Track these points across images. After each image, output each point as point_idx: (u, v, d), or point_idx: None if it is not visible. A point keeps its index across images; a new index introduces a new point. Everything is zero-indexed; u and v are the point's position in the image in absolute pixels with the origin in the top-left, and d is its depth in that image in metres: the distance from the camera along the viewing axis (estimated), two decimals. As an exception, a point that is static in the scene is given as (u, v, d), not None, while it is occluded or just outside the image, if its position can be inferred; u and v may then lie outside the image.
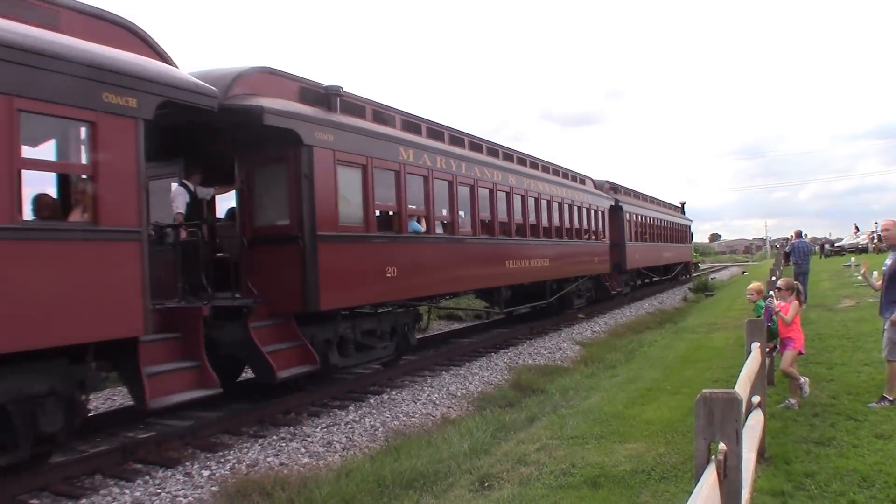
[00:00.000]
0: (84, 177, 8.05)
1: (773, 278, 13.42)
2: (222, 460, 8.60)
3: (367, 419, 10.59)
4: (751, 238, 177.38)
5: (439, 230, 15.46)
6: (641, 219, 33.27)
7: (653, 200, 38.64)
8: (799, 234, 23.42)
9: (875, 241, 56.17)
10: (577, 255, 23.98)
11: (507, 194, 18.69)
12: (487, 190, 17.50)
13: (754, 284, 10.32)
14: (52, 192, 8.89)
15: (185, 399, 8.79)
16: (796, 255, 21.48)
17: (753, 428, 5.90)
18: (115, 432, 9.88)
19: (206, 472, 8.18)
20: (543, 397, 11.65)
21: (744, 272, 58.29)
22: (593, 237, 25.95)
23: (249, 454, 8.84)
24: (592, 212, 25.93)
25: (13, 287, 6.77)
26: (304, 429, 10.05)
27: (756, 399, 6.46)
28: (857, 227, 65.23)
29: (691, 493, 2.92)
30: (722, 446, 3.20)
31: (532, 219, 20.30)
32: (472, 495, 6.64)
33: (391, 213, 13.74)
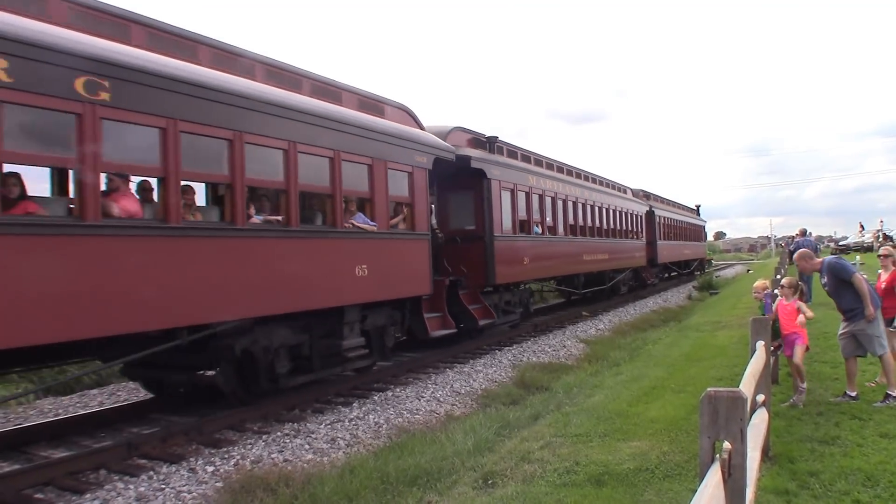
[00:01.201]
0: (407, 203, 13.61)
1: (778, 276, 13.40)
2: (226, 456, 8.62)
3: (371, 416, 10.60)
4: (756, 236, 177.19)
5: (545, 232, 20.87)
6: (668, 221, 39.09)
7: (676, 205, 45.14)
8: (804, 233, 23.35)
9: (881, 239, 56.04)
10: (625, 251, 29.64)
11: (583, 205, 24.62)
12: (571, 202, 23.22)
13: (760, 282, 10.32)
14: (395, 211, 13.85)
15: (443, 334, 15.16)
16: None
17: (758, 426, 5.89)
18: (119, 428, 9.92)
19: (210, 468, 8.19)
20: (547, 395, 11.65)
21: (749, 270, 58.23)
22: (634, 237, 31.37)
23: (253, 450, 8.85)
24: (633, 216, 31.38)
25: (386, 264, 12.65)
26: (308, 425, 10.07)
27: (760, 397, 6.45)
28: (862, 226, 65.07)
29: (695, 491, 2.92)
30: (726, 445, 3.20)
31: (597, 223, 26.03)
32: (476, 493, 6.64)
33: (523, 221, 19.25)
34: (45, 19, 7.56)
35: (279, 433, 9.65)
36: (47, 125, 7.47)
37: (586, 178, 26.02)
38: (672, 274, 42.11)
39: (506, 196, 17.99)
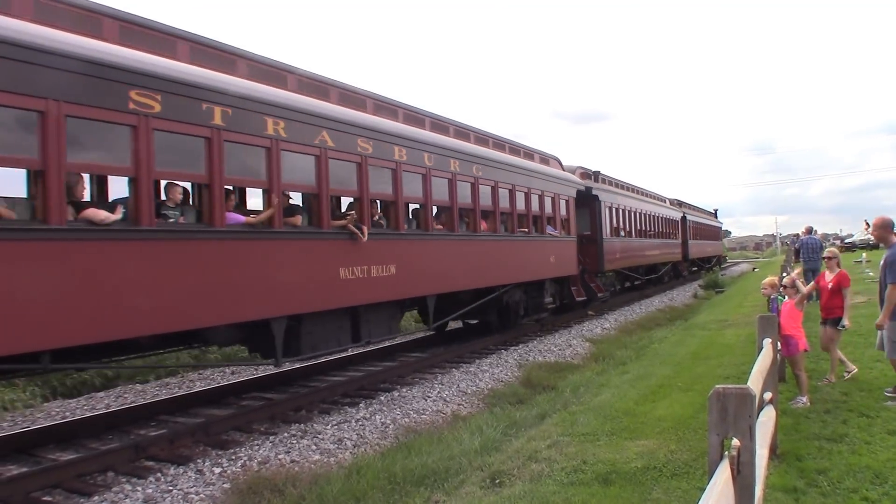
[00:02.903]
0: (564, 216, 21.33)
1: (784, 275, 13.37)
2: (234, 457, 8.62)
3: (377, 416, 10.60)
4: (761, 234, 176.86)
5: (626, 235, 29.16)
6: (695, 224, 47.17)
7: (700, 210, 54.34)
8: (810, 231, 23.23)
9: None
10: (668, 249, 37.68)
11: (645, 214, 33.09)
12: (639, 213, 31.64)
13: (769, 279, 10.29)
14: (556, 222, 21.25)
15: (581, 300, 22.84)
16: (805, 252, 21.32)
17: (765, 424, 5.88)
18: (127, 430, 9.93)
19: (217, 470, 8.20)
20: (554, 394, 11.63)
21: (754, 269, 58.13)
22: (673, 237, 39.85)
23: (261, 451, 8.86)
24: (672, 221, 39.72)
25: (561, 255, 20.62)
26: (314, 426, 10.07)
27: (768, 395, 6.44)
28: (867, 223, 64.92)
29: (704, 489, 2.91)
30: (735, 442, 3.19)
31: (652, 227, 34.56)
32: (484, 492, 6.64)
33: (615, 227, 27.30)
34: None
35: (286, 434, 9.66)
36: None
37: (643, 194, 34.47)
38: (694, 269, 49.09)
39: (606, 211, 26.08)
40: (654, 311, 25.75)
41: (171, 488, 7.61)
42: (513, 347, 17.20)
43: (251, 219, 9.89)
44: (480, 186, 15.92)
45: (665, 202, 39.79)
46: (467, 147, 15.74)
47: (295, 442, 9.29)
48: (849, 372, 9.88)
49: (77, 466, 8.06)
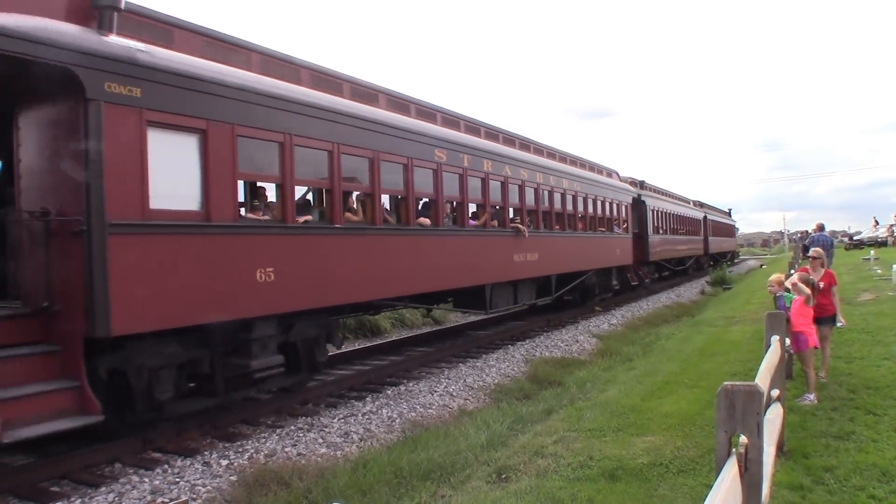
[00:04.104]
0: (624, 218, 27.40)
1: (791, 272, 13.34)
2: (240, 450, 8.65)
3: (384, 410, 10.62)
4: (769, 231, 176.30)
5: (663, 233, 34.79)
6: (714, 223, 53.46)
7: (717, 210, 61.93)
8: (821, 228, 23.10)
9: (895, 234, 55.59)
10: (692, 244, 43.05)
11: (679, 216, 39.28)
12: (674, 214, 37.61)
13: (775, 276, 10.28)
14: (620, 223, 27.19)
15: (634, 284, 29.61)
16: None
17: (773, 421, 5.87)
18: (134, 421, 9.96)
19: (224, 462, 8.22)
20: (560, 390, 11.64)
21: (762, 265, 58.00)
22: (697, 235, 45.07)
23: (267, 444, 8.89)
24: (694, 220, 44.70)
25: (622, 249, 26.41)
26: (321, 419, 10.09)
27: (775, 392, 6.43)
28: (876, 221, 64.68)
29: (711, 486, 2.91)
30: (743, 439, 3.19)
31: (682, 226, 40.11)
32: (490, 487, 6.65)
33: (657, 226, 32.66)
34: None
35: (292, 427, 9.69)
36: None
37: (675, 198, 41.09)
38: (712, 263, 53.65)
39: (650, 213, 31.42)
40: (661, 308, 25.71)
41: (178, 480, 7.64)
42: (519, 342, 17.20)
43: (478, 222, 15.58)
44: (578, 197, 22.08)
45: (689, 204, 46.31)
46: (571, 169, 22.37)
47: (301, 435, 9.31)
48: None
49: (85, 457, 8.09)
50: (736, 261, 69.11)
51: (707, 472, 6.13)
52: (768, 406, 6.03)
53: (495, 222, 16.23)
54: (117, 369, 8.13)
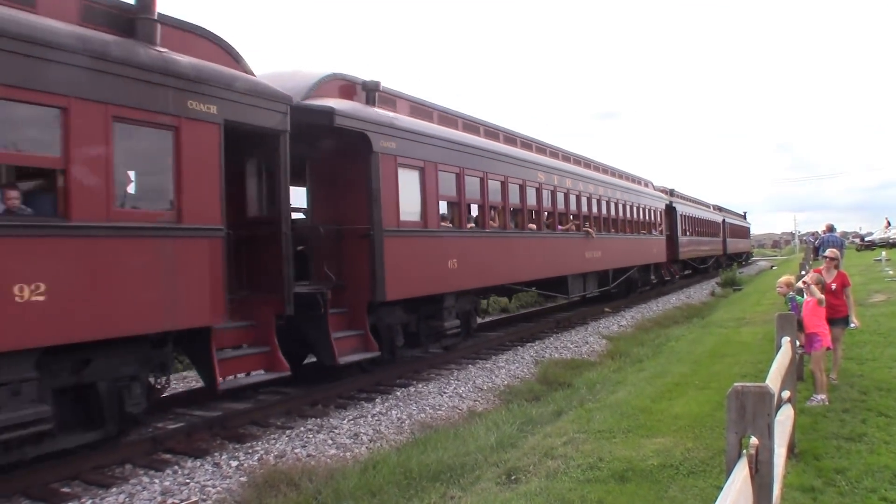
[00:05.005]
0: (659, 222, 32.00)
1: (802, 273, 13.29)
2: (250, 451, 8.68)
3: (393, 411, 10.63)
4: (779, 232, 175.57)
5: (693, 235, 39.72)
6: (731, 226, 57.67)
7: (734, 213, 66.23)
8: (830, 229, 23.01)
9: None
10: (713, 244, 47.33)
11: (722, 222, 50.01)
12: (721, 221, 49.14)
13: (785, 278, 10.24)
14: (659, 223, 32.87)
15: (668, 279, 35.92)
16: (826, 250, 21.11)
17: (783, 423, 5.85)
18: (144, 423, 9.98)
19: (234, 463, 8.25)
20: (570, 391, 11.62)
21: (772, 267, 57.76)
22: (716, 236, 49.03)
23: (277, 445, 8.91)
24: (716, 223, 49.78)
25: (658, 248, 31.50)
26: (331, 420, 10.11)
27: (786, 394, 6.40)
28: (888, 222, 64.27)
29: (721, 487, 2.90)
30: (753, 440, 3.18)
31: (706, 230, 45.17)
32: (499, 488, 6.64)
33: (686, 229, 37.27)
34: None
35: (302, 428, 9.71)
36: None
37: (699, 203, 46.07)
38: (731, 262, 56.88)
39: (679, 217, 35.68)
40: (671, 309, 25.61)
41: (188, 481, 7.67)
42: (529, 344, 17.19)
43: (564, 227, 20.43)
44: (627, 205, 26.86)
45: (710, 208, 51.00)
46: (621, 182, 27.29)
47: (311, 436, 9.33)
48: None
49: (95, 458, 8.13)
50: (749, 261, 73.13)
51: (717, 474, 6.10)
52: (779, 407, 6.01)
53: (573, 227, 20.92)
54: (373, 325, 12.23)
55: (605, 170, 26.53)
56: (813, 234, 58.35)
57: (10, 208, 7.09)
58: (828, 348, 9.00)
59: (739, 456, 3.16)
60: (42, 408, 7.14)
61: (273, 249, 10.11)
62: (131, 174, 8.39)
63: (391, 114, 12.70)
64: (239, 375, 9.91)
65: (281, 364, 10.00)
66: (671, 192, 37.33)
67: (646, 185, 32.16)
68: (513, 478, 6.88)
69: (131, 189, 8.41)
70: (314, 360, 12.56)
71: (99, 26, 7.94)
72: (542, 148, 20.50)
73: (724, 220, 53.36)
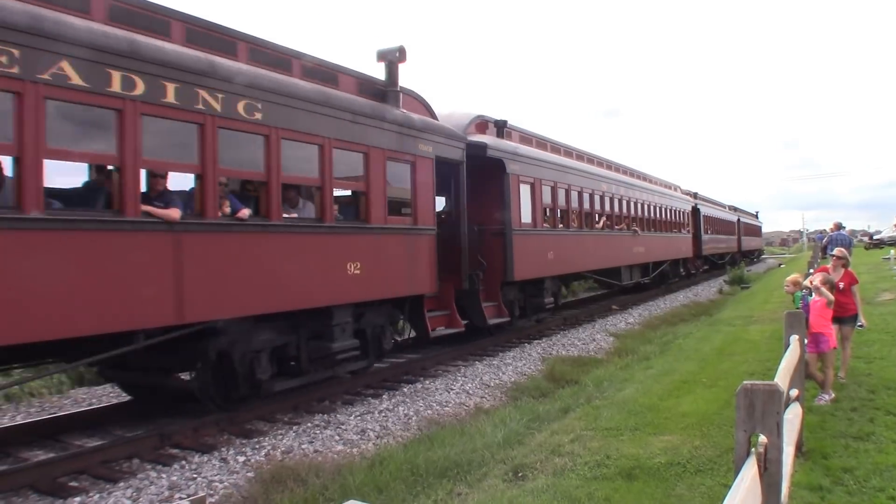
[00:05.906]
0: (687, 222, 35.97)
1: (810, 271, 13.23)
2: (257, 446, 8.69)
3: (400, 408, 10.63)
4: (787, 230, 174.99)
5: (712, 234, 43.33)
6: (744, 224, 61.30)
7: (747, 212, 70.52)
8: (838, 227, 22.88)
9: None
10: (729, 241, 50.28)
11: (738, 221, 55.03)
12: (736, 221, 54.31)
13: (792, 276, 10.20)
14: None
15: (693, 271, 40.59)
16: (834, 248, 20.99)
17: (792, 422, 5.83)
18: (152, 418, 10.03)
19: (241, 458, 8.27)
20: (577, 388, 11.60)
21: (780, 265, 57.61)
22: (733, 234, 52.43)
23: (284, 441, 8.92)
24: (732, 222, 53.15)
25: (680, 246, 34.79)
26: (338, 416, 10.12)
27: (794, 392, 6.39)
28: (899, 220, 63.89)
29: (729, 486, 2.90)
30: (762, 439, 3.17)
31: (724, 229, 48.56)
32: (506, 485, 6.64)
33: (707, 228, 40.48)
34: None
35: (309, 424, 9.72)
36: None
37: (716, 204, 49.88)
38: (744, 258, 60.24)
39: (702, 218, 39.20)
40: (678, 307, 25.54)
41: (195, 476, 7.69)
42: (536, 341, 17.17)
43: (620, 226, 24.37)
44: (663, 207, 30.98)
45: (726, 209, 54.67)
46: (658, 188, 31.65)
47: (318, 432, 9.34)
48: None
49: (103, 453, 8.17)
50: (761, 257, 77.43)
51: (725, 472, 6.09)
52: (787, 406, 5.99)
53: (624, 226, 24.98)
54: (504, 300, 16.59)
55: (645, 177, 30.80)
56: (821, 232, 58.15)
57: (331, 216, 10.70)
58: (834, 348, 8.97)
59: (748, 454, 3.15)
60: (354, 341, 11.33)
61: (454, 243, 14.61)
62: (393, 194, 12.22)
63: (514, 144, 17.59)
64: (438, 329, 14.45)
65: (458, 322, 14.73)
66: (695, 195, 41.87)
67: (675, 189, 36.61)
68: (520, 475, 6.88)
69: (393, 203, 12.28)
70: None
71: (367, 95, 11.86)
72: (601, 162, 25.34)
73: (738, 220, 57.04)
